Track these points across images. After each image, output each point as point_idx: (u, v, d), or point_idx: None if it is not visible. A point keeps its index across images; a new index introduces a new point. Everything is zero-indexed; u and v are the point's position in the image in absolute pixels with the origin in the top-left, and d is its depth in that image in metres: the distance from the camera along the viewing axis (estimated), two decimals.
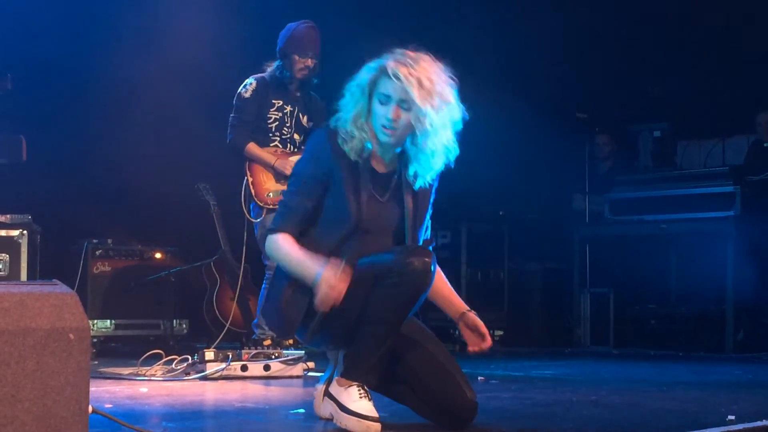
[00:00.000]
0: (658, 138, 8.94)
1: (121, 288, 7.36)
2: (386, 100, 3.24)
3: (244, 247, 6.25)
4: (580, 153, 9.16)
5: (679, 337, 8.04)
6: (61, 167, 7.70)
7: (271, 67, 6.09)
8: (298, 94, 6.12)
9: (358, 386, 3.16)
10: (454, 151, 3.39)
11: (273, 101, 6.04)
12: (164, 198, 7.95)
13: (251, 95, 5.99)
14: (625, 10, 9.43)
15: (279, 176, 5.97)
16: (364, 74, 3.31)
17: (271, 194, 5.99)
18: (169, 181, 7.79)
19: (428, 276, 3.10)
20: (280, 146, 6.08)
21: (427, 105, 3.22)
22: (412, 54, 3.28)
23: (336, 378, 3.24)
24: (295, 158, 6.04)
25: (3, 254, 6.04)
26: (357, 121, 3.27)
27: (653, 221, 8.23)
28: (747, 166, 8.40)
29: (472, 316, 3.41)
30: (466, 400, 3.24)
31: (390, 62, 3.25)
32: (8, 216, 6.20)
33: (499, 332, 9.08)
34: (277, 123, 6.05)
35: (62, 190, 7.61)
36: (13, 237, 6.08)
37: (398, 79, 3.21)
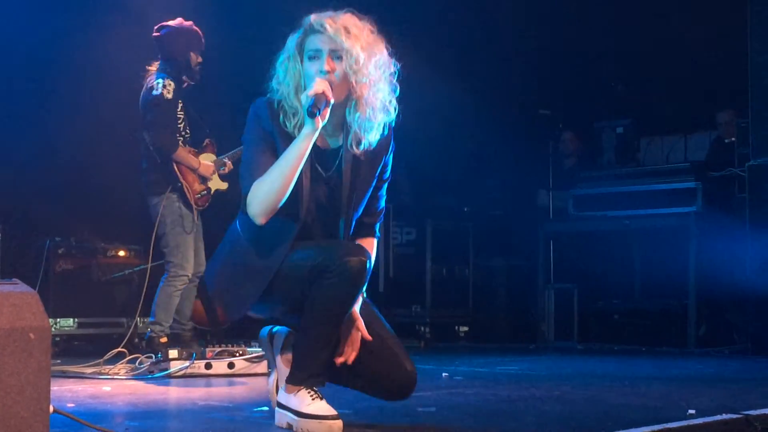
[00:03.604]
0: (621, 134, 9.00)
1: (84, 286, 7.31)
2: (316, 54, 3.14)
3: (152, 243, 6.18)
4: (544, 149, 9.21)
5: (642, 332, 8.10)
6: (23, 165, 7.63)
7: (154, 69, 6.05)
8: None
9: (307, 389, 3.11)
10: (395, 107, 3.25)
11: (178, 101, 6.03)
12: (127, 196, 7.89)
13: (173, 96, 5.94)
14: (587, 8, 9.49)
15: (203, 179, 6.07)
16: (290, 42, 3.21)
17: (198, 196, 6.08)
18: (132, 178, 7.73)
19: (363, 274, 3.04)
20: (186, 146, 6.10)
21: (358, 50, 3.12)
22: (332, 12, 3.19)
23: (284, 386, 3.19)
24: (203, 155, 6.15)
25: None
26: (298, 91, 3.15)
27: (616, 217, 8.29)
28: (709, 162, 8.48)
29: (356, 317, 3.21)
30: (405, 371, 3.20)
31: (312, 19, 3.16)
32: None
33: (464, 328, 9.12)
34: (183, 123, 6.06)
35: (25, 188, 7.55)
36: None
37: (324, 29, 3.12)
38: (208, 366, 5.26)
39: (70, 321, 7.26)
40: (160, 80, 5.92)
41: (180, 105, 6.02)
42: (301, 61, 3.18)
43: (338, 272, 3.01)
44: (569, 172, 9.26)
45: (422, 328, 8.76)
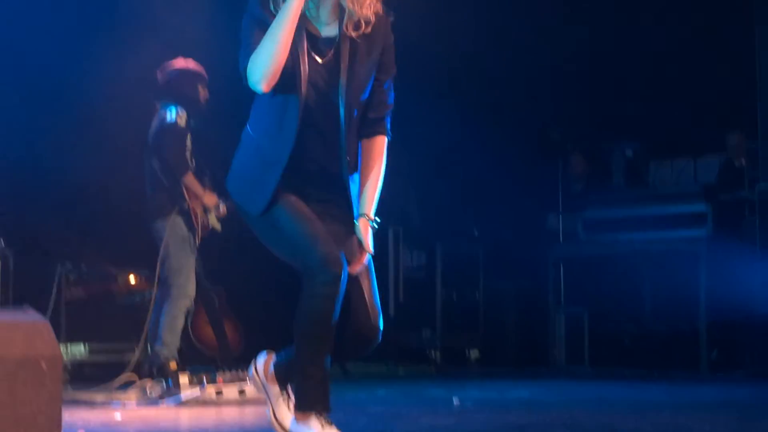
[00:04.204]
0: (631, 157, 9.00)
1: (95, 312, 7.32)
2: None
3: (157, 268, 6.21)
4: (553, 173, 9.21)
5: (654, 356, 8.06)
6: (34, 191, 7.65)
7: (173, 110, 6.15)
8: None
9: (316, 415, 3.14)
10: None
11: (188, 132, 6.14)
12: (138, 221, 7.91)
13: (186, 124, 6.09)
14: (596, 31, 9.50)
15: (205, 209, 6.13)
16: None
17: (201, 222, 6.15)
18: (142, 203, 7.76)
19: (338, 287, 3.09)
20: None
21: None
22: None
23: (295, 414, 3.22)
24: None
25: None
26: None
27: (626, 240, 8.26)
28: (719, 185, 8.46)
29: (363, 225, 3.28)
30: (369, 324, 3.24)
31: None
32: None
33: (474, 352, 9.10)
34: (189, 153, 6.14)
35: (36, 214, 7.56)
36: None
37: None
38: (219, 393, 5.25)
39: (81, 347, 7.26)
40: (173, 109, 6.05)
41: (189, 137, 6.12)
42: None
43: (315, 283, 3.09)
44: (579, 195, 9.25)
45: (433, 353, 8.74)
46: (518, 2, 9.22)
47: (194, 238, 6.13)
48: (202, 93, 6.24)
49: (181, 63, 6.27)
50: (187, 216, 6.10)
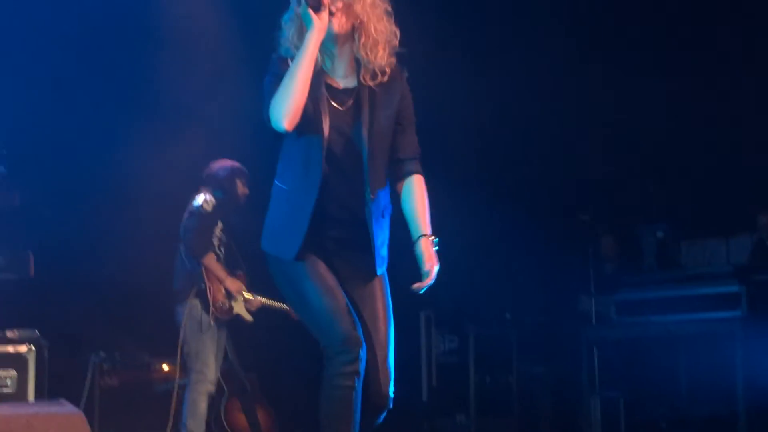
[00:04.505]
0: (662, 239, 8.97)
1: (130, 401, 7.33)
2: None
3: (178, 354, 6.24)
4: (584, 254, 9.19)
5: None
6: (68, 281, 7.74)
7: (201, 196, 6.27)
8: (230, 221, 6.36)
9: None
10: (396, 33, 3.42)
11: (218, 221, 6.25)
12: (170, 309, 7.96)
13: (212, 211, 6.19)
14: (624, 110, 9.57)
15: (228, 294, 6.17)
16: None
17: (219, 304, 6.18)
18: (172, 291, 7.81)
19: (357, 365, 3.21)
20: (220, 263, 6.28)
21: None
22: None
23: None
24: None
25: (10, 371, 6.04)
26: (302, 33, 3.31)
27: (660, 322, 8.20)
28: (751, 265, 8.40)
29: (424, 243, 3.43)
30: (381, 393, 3.37)
31: None
32: (15, 331, 6.22)
33: None
34: (218, 242, 6.23)
35: (70, 304, 7.64)
36: (21, 353, 6.09)
37: None
38: None
39: None
40: (203, 195, 6.17)
41: (220, 225, 6.20)
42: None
43: (335, 363, 3.22)
44: (610, 277, 9.21)
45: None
46: (544, 86, 9.33)
47: (209, 320, 6.15)
48: (241, 189, 6.36)
49: (225, 162, 6.44)
50: (204, 298, 6.15)
